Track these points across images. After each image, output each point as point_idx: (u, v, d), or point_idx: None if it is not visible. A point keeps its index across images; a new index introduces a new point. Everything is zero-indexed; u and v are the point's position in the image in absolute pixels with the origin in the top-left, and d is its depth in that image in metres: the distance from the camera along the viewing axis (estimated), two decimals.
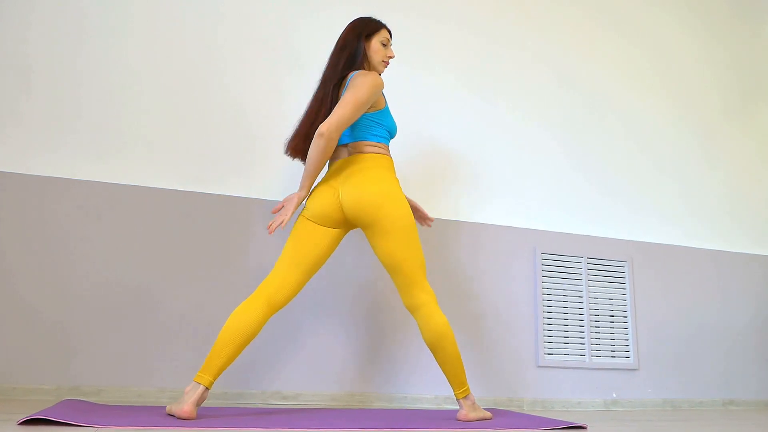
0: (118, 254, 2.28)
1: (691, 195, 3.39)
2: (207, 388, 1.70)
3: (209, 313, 2.33)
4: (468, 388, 1.96)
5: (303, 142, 1.97)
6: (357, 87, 1.86)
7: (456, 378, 1.94)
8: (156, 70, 2.49)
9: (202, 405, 2.11)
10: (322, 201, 1.90)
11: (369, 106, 1.91)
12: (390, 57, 2.05)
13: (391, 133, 2.04)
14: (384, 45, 2.03)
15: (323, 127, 1.80)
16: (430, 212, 2.77)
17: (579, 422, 1.97)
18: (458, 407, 2.51)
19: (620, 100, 3.34)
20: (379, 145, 1.97)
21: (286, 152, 2.01)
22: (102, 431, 1.37)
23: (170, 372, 2.24)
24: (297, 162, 2.59)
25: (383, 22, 2.07)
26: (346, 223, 1.95)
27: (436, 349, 1.90)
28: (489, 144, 2.98)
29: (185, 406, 1.64)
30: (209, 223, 2.42)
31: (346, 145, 1.98)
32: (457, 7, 3.07)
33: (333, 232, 1.92)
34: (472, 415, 1.94)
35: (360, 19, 2.06)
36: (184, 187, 2.43)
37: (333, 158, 2.01)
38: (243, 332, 1.74)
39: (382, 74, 2.09)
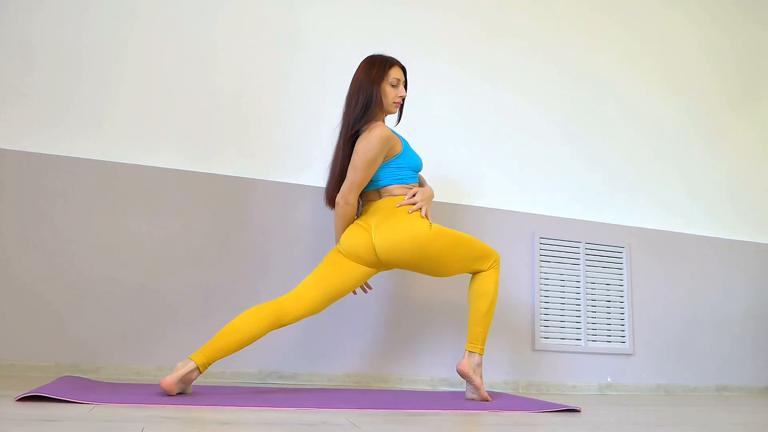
0: (119, 233, 2.28)
1: (691, 182, 3.38)
2: (198, 368, 1.70)
3: (209, 292, 2.33)
4: (479, 348, 2.02)
5: (336, 191, 2.04)
6: (362, 150, 1.93)
7: (474, 333, 2.03)
8: (157, 50, 2.46)
9: (198, 383, 2.12)
10: (356, 242, 1.95)
11: (381, 161, 1.98)
12: (401, 97, 2.05)
13: (416, 170, 2.10)
14: (394, 86, 2.03)
15: (339, 197, 1.98)
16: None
17: (574, 405, 1.98)
18: (454, 391, 2.53)
19: (622, 86, 3.32)
20: (406, 186, 2.04)
21: (327, 204, 2.08)
22: (98, 408, 1.38)
23: (169, 350, 2.24)
24: (296, 142, 2.59)
25: (394, 58, 2.06)
26: (379, 265, 1.99)
27: (472, 301, 2.05)
28: (489, 129, 2.96)
29: (168, 377, 1.65)
30: (210, 203, 2.41)
31: (377, 189, 2.04)
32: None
33: (364, 268, 1.97)
34: (470, 371, 1.99)
35: (371, 59, 2.05)
36: (184, 166, 2.41)
37: (365, 200, 2.07)
38: (243, 334, 1.77)
39: (394, 113, 2.12)
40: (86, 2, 2.40)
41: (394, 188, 2.02)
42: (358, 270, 1.96)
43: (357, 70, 2.06)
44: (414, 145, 2.53)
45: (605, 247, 3.03)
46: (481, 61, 3.01)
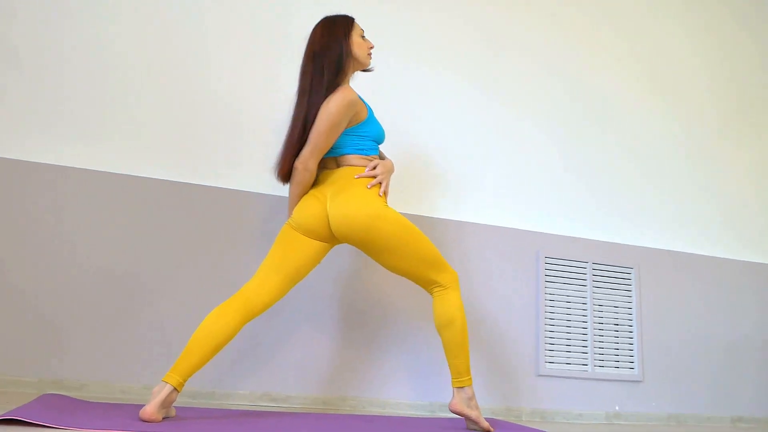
0: (108, 244, 2.21)
1: (703, 201, 3.27)
2: (176, 389, 1.61)
3: (200, 309, 2.25)
4: (466, 380, 1.89)
5: (292, 161, 1.90)
6: (325, 114, 1.82)
7: (455, 367, 1.89)
8: (147, 59, 2.42)
9: (186, 404, 2.04)
10: (309, 213, 1.85)
11: (345, 126, 1.87)
12: (371, 48, 1.98)
13: (378, 141, 1.99)
14: (363, 37, 1.96)
15: (298, 162, 1.86)
16: (432, 212, 2.68)
17: None
18: (453, 418, 2.43)
19: (630, 104, 3.24)
20: (366, 157, 1.93)
21: (278, 178, 1.95)
22: None
23: (157, 369, 2.16)
24: None
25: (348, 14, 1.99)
26: (332, 239, 1.88)
27: (441, 332, 1.89)
28: (494, 144, 2.88)
29: (148, 407, 1.56)
30: (202, 216, 2.34)
31: (334, 157, 1.93)
32: (457, 5, 2.97)
33: (318, 244, 1.87)
34: (463, 408, 1.88)
35: (328, 19, 1.95)
36: (176, 177, 2.35)
37: (321, 168, 1.95)
38: (216, 336, 1.67)
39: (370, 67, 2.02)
40: (70, 7, 2.36)
41: (353, 158, 1.90)
42: (313, 246, 1.85)
43: (313, 35, 1.92)
44: (414, 158, 2.46)
45: (613, 267, 2.92)
46: (484, 73, 2.94)
